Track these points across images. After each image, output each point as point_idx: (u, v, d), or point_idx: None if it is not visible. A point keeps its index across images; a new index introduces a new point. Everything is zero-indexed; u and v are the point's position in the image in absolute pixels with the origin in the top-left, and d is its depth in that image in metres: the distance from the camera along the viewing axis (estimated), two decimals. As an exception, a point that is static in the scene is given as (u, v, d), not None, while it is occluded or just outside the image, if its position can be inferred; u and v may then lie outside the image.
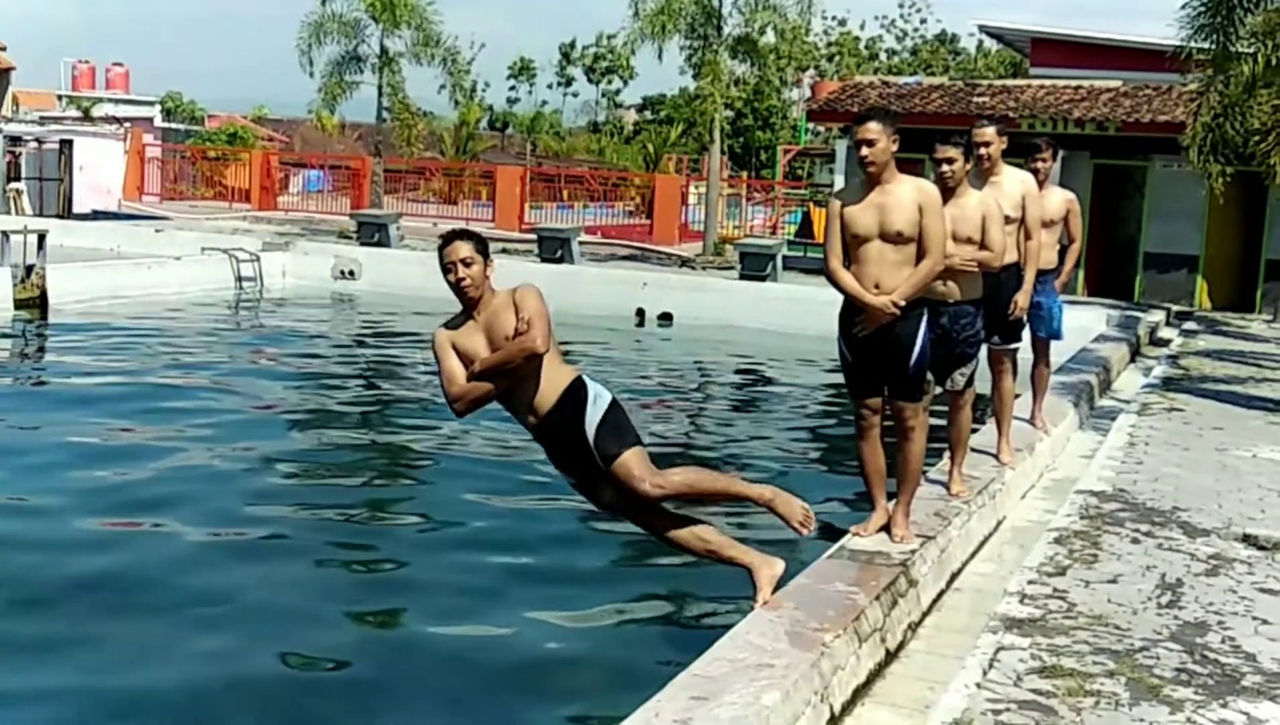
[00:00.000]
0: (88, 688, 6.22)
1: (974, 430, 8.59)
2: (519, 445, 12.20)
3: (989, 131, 7.92)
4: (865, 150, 5.96)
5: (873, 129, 5.94)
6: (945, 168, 6.96)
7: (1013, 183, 8.03)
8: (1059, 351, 12.96)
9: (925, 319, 6.19)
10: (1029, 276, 8.17)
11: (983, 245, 7.05)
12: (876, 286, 6.07)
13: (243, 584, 7.65)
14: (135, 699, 6.13)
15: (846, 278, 6.13)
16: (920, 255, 6.06)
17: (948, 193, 6.83)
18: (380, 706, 6.21)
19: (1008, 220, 7.82)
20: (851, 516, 7.62)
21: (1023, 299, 8.13)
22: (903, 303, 5.99)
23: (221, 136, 43.10)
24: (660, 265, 26.33)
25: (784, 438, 13.37)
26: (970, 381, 7.40)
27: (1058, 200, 9.27)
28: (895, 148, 6.00)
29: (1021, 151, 9.41)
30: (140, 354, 16.56)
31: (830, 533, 7.17)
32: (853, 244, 6.12)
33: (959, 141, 7.13)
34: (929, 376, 6.69)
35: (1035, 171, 9.18)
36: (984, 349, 8.02)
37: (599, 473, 5.35)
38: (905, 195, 6.04)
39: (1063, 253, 9.57)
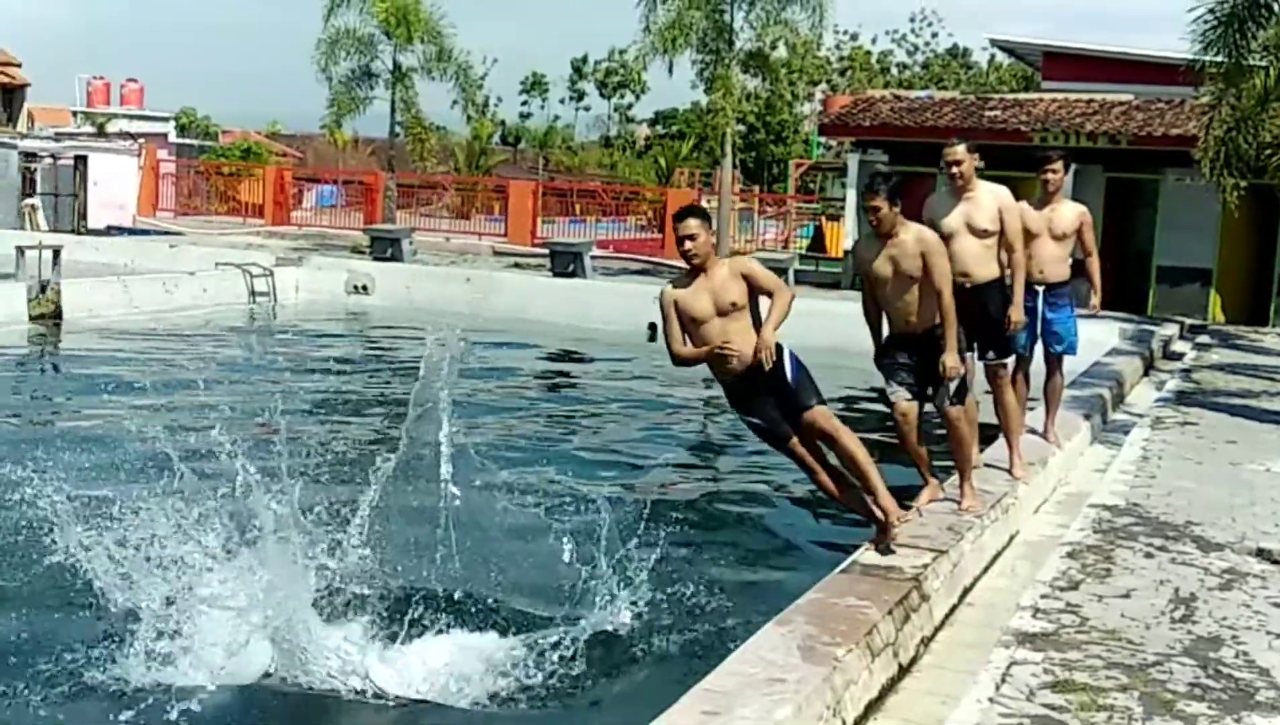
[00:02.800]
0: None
1: (982, 449, 8.61)
2: (525, 451, 12.25)
3: (959, 150, 7.99)
4: (687, 244, 6.74)
5: (691, 225, 6.76)
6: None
7: (987, 197, 8.04)
8: (1072, 364, 12.98)
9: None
10: (1018, 290, 8.16)
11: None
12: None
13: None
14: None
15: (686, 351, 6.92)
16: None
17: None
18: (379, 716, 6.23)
19: (985, 233, 7.88)
20: (862, 531, 7.62)
21: (1015, 313, 8.11)
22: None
23: (235, 152, 43.31)
24: (672, 280, 26.31)
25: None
26: (958, 399, 7.42)
27: (1070, 213, 9.28)
28: (714, 240, 6.97)
29: (1033, 165, 9.45)
30: (153, 369, 16.62)
31: (842, 547, 7.17)
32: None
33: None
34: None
35: (1045, 183, 9.21)
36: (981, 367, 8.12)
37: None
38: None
39: (1076, 267, 9.58)
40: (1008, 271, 8.25)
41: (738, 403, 6.92)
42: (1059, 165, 9.17)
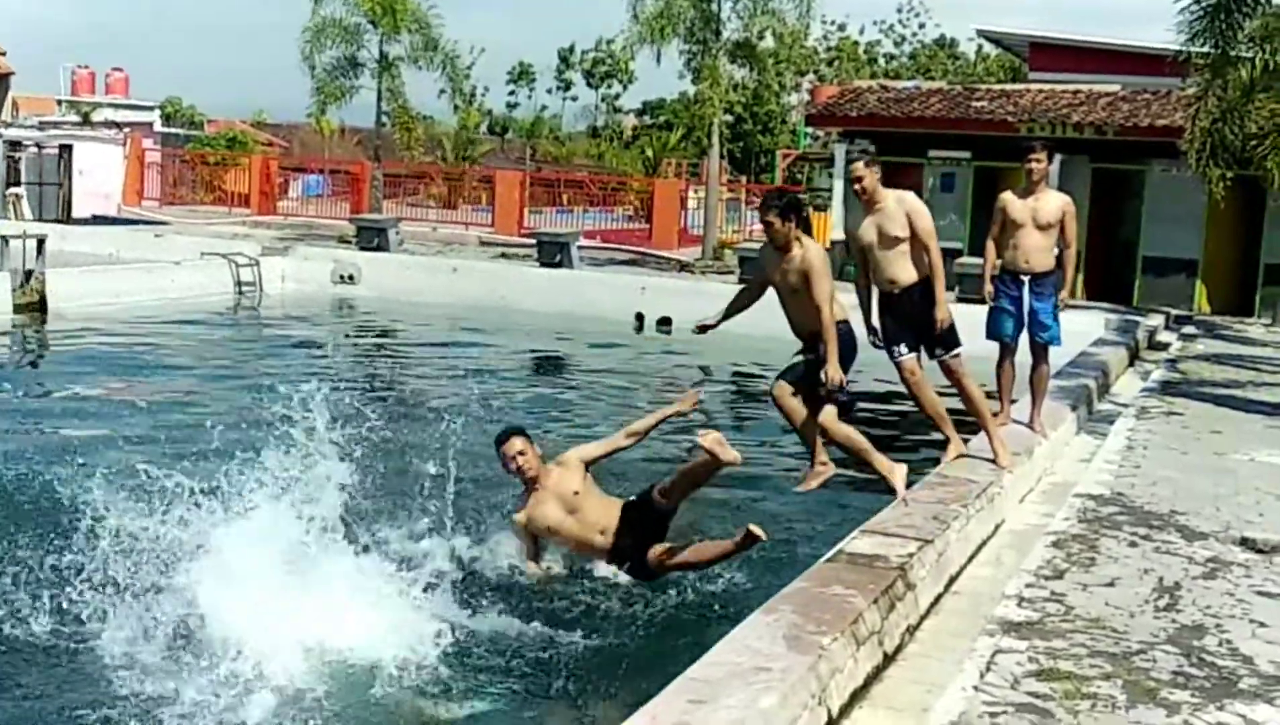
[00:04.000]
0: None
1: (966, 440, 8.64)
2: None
3: (859, 167, 8.10)
4: (517, 462, 7.63)
5: (516, 445, 7.70)
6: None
7: (894, 205, 8.14)
8: (1058, 355, 13.01)
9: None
10: (939, 288, 8.12)
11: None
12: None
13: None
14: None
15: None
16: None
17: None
18: (374, 706, 6.22)
19: (898, 240, 8.05)
20: (849, 517, 7.63)
21: (940, 312, 8.13)
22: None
23: (221, 141, 43.12)
24: (659, 270, 26.35)
25: (782, 442, 13.35)
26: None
27: (1053, 203, 9.30)
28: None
29: (1019, 155, 9.47)
30: (139, 359, 16.57)
31: (827, 537, 7.19)
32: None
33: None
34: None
35: (1029, 173, 9.23)
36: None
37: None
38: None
39: (1061, 259, 9.60)
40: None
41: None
42: (1042, 155, 9.20)
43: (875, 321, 8.40)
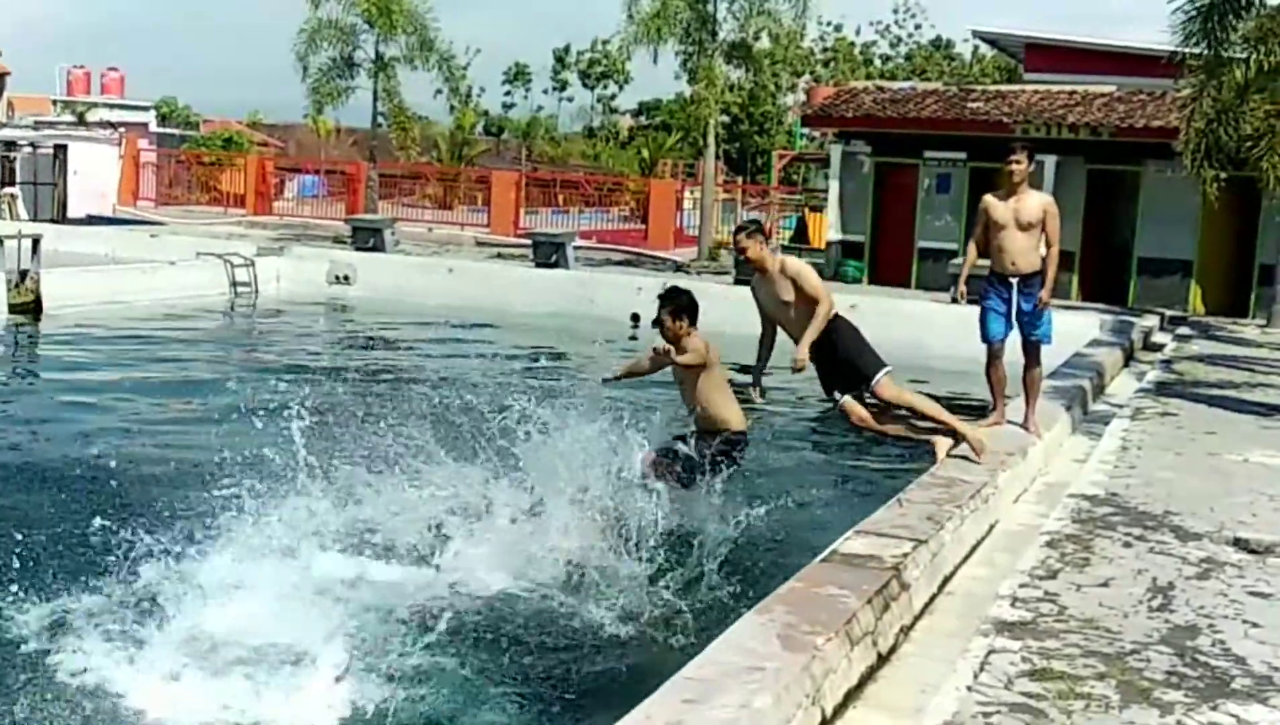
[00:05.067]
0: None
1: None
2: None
3: (742, 239, 8.54)
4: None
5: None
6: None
7: (778, 273, 8.55)
8: (1052, 355, 13.03)
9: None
10: (810, 335, 8.43)
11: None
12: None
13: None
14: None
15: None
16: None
17: None
18: (373, 704, 6.22)
19: (792, 304, 8.48)
20: (845, 516, 7.64)
21: (801, 352, 8.43)
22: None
23: (216, 141, 43.09)
24: (655, 270, 26.36)
25: (778, 441, 13.37)
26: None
27: (1035, 203, 9.36)
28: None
29: (1001, 156, 9.52)
30: (133, 359, 16.55)
31: (822, 536, 7.18)
32: None
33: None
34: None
35: (1010, 175, 9.27)
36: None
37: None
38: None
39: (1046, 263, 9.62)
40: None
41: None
42: (1021, 156, 9.26)
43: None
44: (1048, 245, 9.42)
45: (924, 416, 8.76)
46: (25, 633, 6.94)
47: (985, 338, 9.56)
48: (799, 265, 8.58)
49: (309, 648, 6.74)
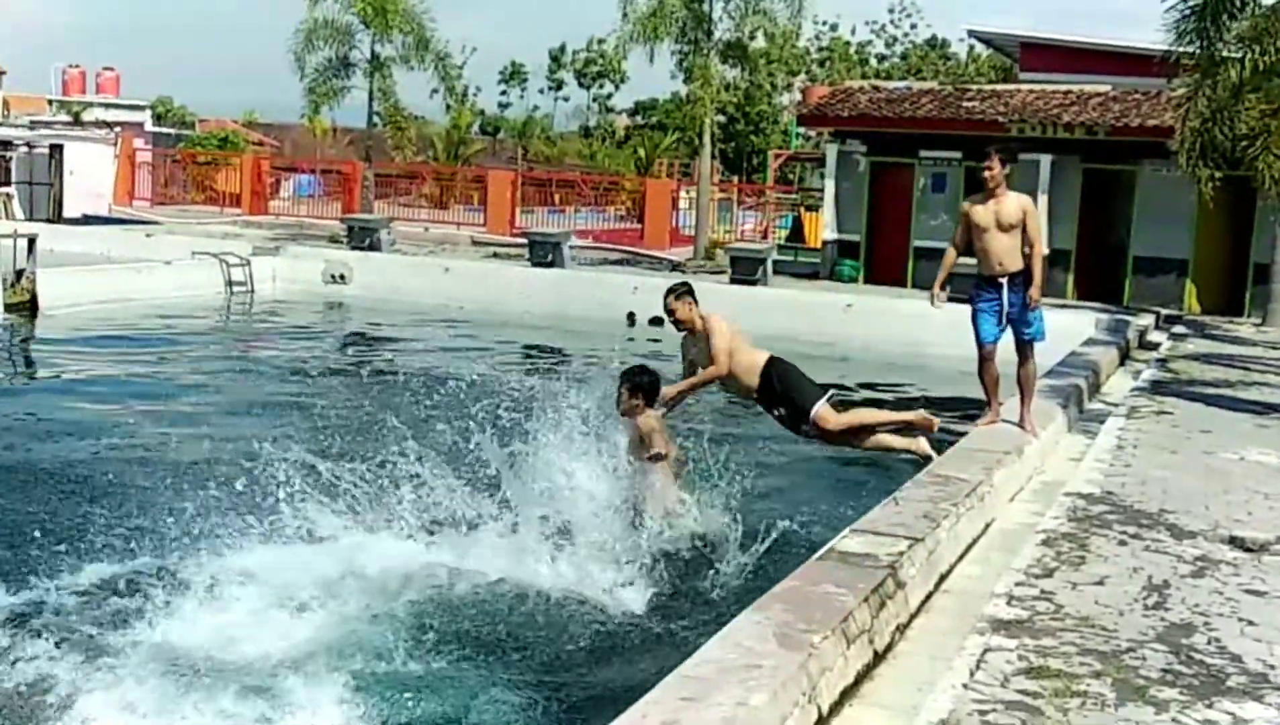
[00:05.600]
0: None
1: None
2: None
3: (670, 300, 9.28)
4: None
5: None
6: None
7: (702, 335, 9.07)
8: (1048, 354, 13.05)
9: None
10: (683, 388, 9.19)
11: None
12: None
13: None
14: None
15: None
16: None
17: None
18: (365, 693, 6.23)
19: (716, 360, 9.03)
20: (843, 516, 7.65)
21: (669, 390, 9.00)
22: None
23: (212, 141, 43.06)
24: (651, 269, 26.36)
25: (773, 439, 13.37)
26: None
27: (1013, 204, 9.43)
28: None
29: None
30: (129, 358, 16.54)
31: (819, 534, 7.20)
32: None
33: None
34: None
35: (986, 180, 9.36)
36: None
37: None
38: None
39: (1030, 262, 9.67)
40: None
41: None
42: (994, 161, 9.32)
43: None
44: (1030, 245, 9.46)
45: (880, 426, 9.22)
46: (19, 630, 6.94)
47: (979, 340, 9.59)
48: (714, 326, 9.07)
49: (308, 650, 6.76)
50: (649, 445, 8.51)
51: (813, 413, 8.94)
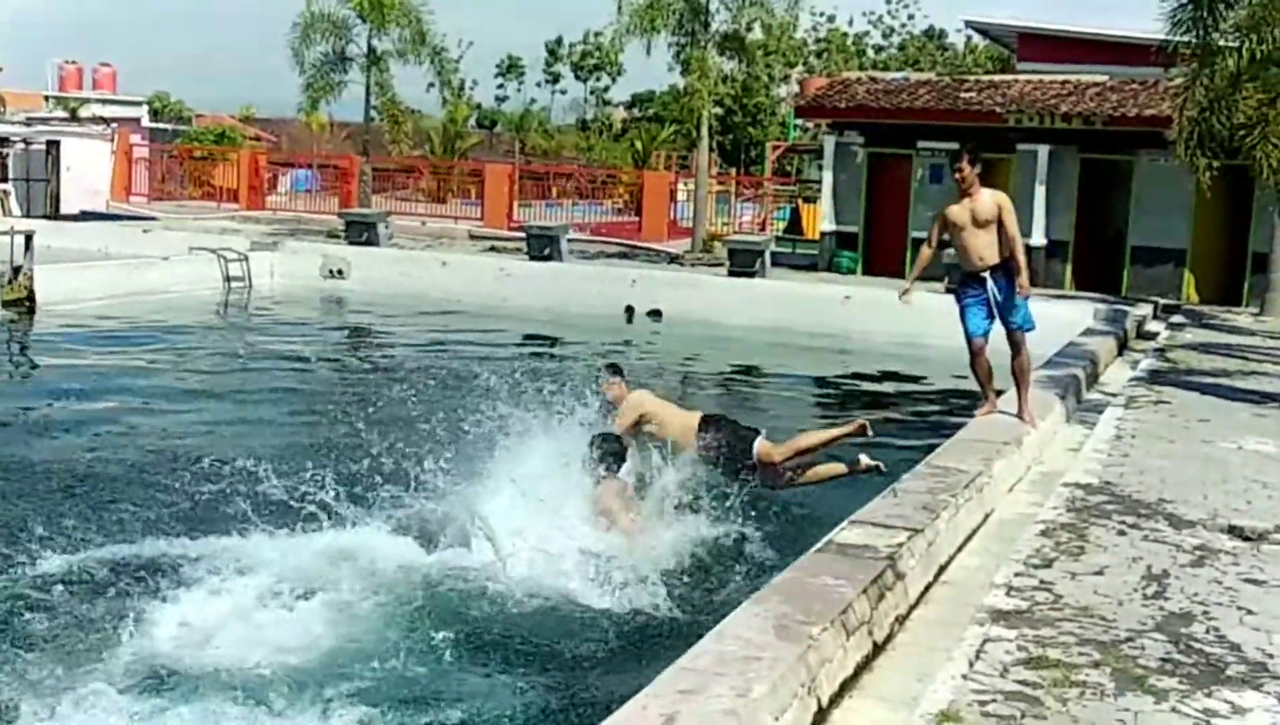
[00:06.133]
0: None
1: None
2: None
3: (606, 376, 9.57)
4: None
5: None
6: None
7: (625, 407, 9.29)
8: (1046, 344, 13.07)
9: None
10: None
11: None
12: None
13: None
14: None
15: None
16: None
17: None
18: (370, 689, 6.23)
19: (650, 432, 9.26)
20: (840, 507, 7.65)
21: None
22: None
23: (209, 136, 43.01)
24: (649, 262, 26.35)
25: (774, 433, 13.37)
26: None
27: (988, 200, 9.59)
28: None
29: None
30: (127, 354, 16.54)
31: (818, 525, 7.20)
32: None
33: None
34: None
35: (959, 182, 9.49)
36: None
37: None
38: None
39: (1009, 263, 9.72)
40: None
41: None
42: (963, 164, 9.51)
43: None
44: (1009, 239, 9.52)
45: (820, 446, 9.33)
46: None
47: (968, 335, 9.73)
48: (628, 404, 9.36)
49: (308, 648, 6.77)
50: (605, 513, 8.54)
51: (754, 449, 9.08)
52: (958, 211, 9.56)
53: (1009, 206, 9.62)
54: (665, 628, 7.10)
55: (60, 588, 7.43)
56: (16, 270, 19.42)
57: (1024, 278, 9.51)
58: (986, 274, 9.56)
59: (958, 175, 9.54)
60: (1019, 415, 9.70)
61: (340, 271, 24.54)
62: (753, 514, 8.79)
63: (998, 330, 9.72)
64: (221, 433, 11.99)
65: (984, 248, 9.53)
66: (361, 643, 6.83)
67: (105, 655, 6.57)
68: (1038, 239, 23.50)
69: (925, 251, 9.88)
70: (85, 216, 31.59)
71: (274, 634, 6.82)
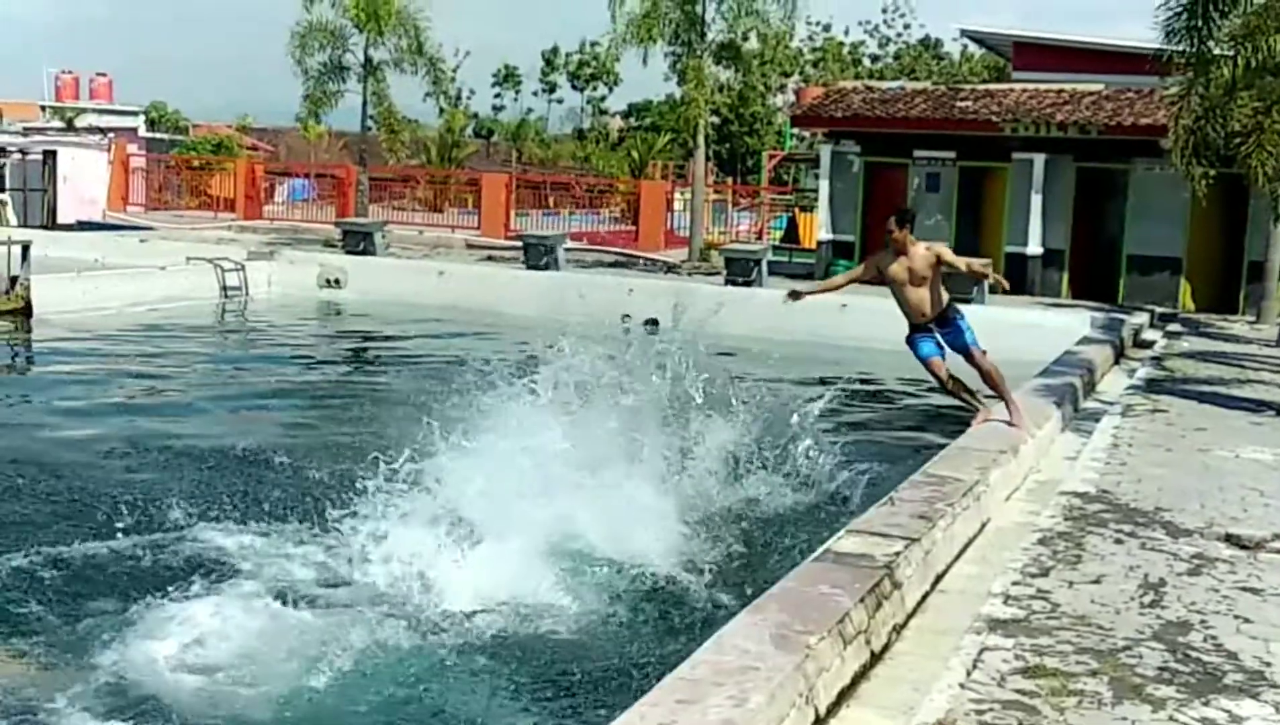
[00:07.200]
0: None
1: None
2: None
3: None
4: None
5: None
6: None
7: None
8: (1043, 353, 13.09)
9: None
10: None
11: None
12: None
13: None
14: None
15: None
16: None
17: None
18: (367, 704, 6.22)
19: None
20: (836, 516, 7.66)
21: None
22: None
23: (206, 146, 42.99)
24: (646, 271, 26.35)
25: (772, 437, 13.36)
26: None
27: (920, 258, 9.84)
28: None
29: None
30: (124, 364, 16.52)
31: (815, 536, 7.20)
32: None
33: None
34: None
35: (893, 243, 9.86)
36: None
37: None
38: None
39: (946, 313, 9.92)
40: None
41: None
42: (892, 225, 9.81)
43: None
44: (967, 269, 10.07)
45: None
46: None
47: (922, 359, 9.98)
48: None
49: (307, 647, 6.76)
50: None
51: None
52: (896, 269, 9.85)
53: (945, 250, 10.04)
54: (661, 637, 7.10)
55: (49, 593, 7.42)
56: (13, 280, 19.41)
57: (986, 267, 10.24)
58: (931, 325, 9.86)
59: (890, 236, 9.81)
60: (1011, 422, 9.71)
61: (337, 281, 24.52)
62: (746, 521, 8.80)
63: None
64: (215, 441, 11.98)
65: (923, 301, 9.86)
66: (362, 644, 6.83)
67: (96, 659, 6.57)
68: (1034, 248, 23.52)
69: (840, 280, 10.52)
70: (82, 226, 31.58)
71: (266, 642, 6.82)
